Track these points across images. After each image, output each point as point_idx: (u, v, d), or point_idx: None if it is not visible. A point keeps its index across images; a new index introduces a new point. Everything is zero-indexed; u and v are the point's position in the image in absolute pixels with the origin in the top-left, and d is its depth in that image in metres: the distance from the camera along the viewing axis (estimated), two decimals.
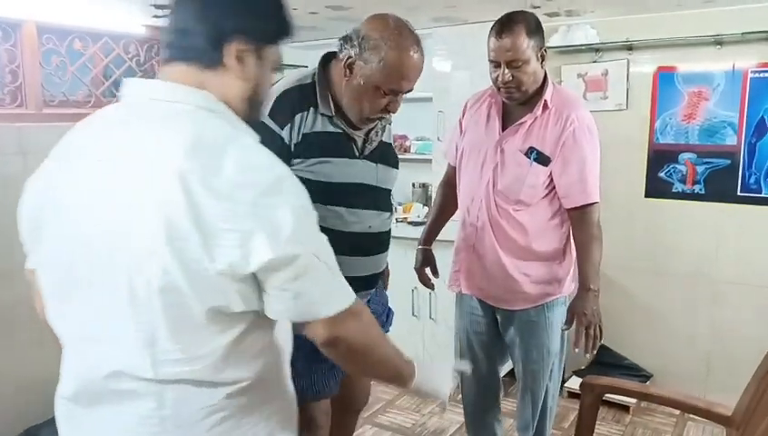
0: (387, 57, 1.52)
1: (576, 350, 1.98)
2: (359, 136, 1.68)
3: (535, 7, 2.84)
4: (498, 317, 2.17)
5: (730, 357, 2.97)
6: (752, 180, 2.86)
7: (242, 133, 0.98)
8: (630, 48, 3.05)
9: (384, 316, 1.94)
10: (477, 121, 2.10)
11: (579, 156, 1.92)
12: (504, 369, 2.45)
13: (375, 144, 1.72)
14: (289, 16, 1.08)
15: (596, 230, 1.98)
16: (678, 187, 3.04)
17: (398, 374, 1.19)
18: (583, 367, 3.33)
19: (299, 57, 4.11)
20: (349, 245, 1.62)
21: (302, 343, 1.56)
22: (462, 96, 2.30)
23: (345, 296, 1.02)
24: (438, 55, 3.38)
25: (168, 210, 0.88)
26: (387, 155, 1.79)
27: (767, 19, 2.71)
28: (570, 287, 2.09)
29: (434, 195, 2.48)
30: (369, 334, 1.09)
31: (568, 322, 2.00)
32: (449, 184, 2.26)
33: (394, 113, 1.66)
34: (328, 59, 1.66)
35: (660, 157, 3.08)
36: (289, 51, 4.04)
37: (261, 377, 1.03)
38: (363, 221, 1.69)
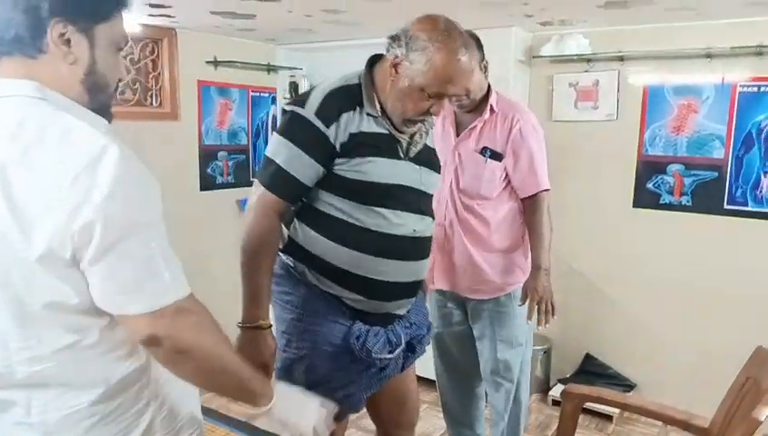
0: (433, 59, 1.47)
1: (529, 322, 2.23)
2: (403, 138, 1.64)
3: (528, 16, 2.86)
4: (468, 310, 2.36)
5: (714, 368, 2.98)
6: (738, 193, 2.88)
7: (65, 115, 0.93)
8: (621, 59, 3.07)
9: (425, 328, 1.87)
10: (433, 133, 2.22)
11: (527, 151, 2.17)
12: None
13: (420, 147, 1.68)
14: None
15: (547, 215, 2.22)
16: (666, 198, 3.06)
17: (245, 389, 1.10)
18: (567, 375, 3.34)
19: (294, 59, 4.15)
20: (392, 249, 1.61)
21: (343, 356, 1.63)
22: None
23: (172, 289, 0.95)
24: None
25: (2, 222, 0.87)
26: (430, 158, 1.74)
27: (757, 34, 2.73)
28: (525, 278, 2.26)
29: None
30: (201, 337, 0.99)
31: (522, 299, 2.21)
32: None
33: (437, 115, 1.62)
34: (374, 60, 1.63)
35: (648, 168, 3.09)
36: (285, 53, 4.09)
37: (134, 381, 0.99)
38: (407, 224, 1.63)
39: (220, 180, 3.87)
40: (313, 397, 1.27)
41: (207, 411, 3.16)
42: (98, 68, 1.01)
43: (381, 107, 1.58)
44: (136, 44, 3.41)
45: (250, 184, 4.06)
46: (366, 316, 1.66)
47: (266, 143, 4.17)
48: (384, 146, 1.60)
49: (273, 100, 4.17)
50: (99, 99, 1.03)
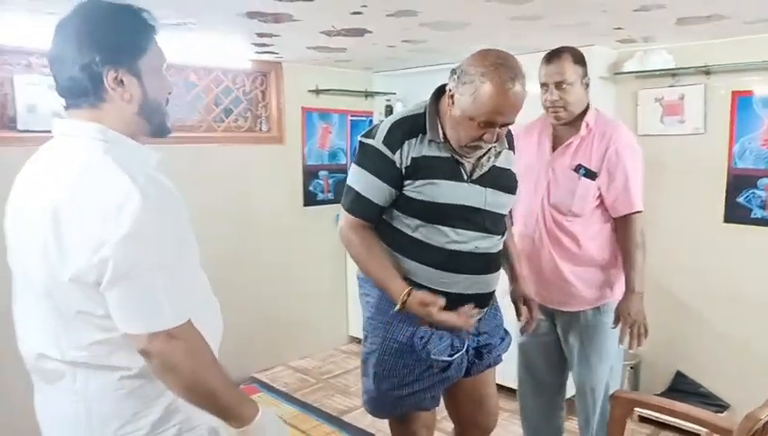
0: (479, 92, 1.58)
1: (621, 345, 2.22)
2: (468, 161, 1.75)
3: (603, 36, 2.92)
4: (557, 322, 2.38)
5: None
6: None
7: (109, 160, 1.12)
8: (707, 72, 3.02)
9: (497, 338, 1.98)
10: (528, 145, 2.33)
11: (622, 170, 2.16)
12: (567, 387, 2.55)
13: (485, 169, 1.77)
14: (141, 26, 1.19)
15: (640, 237, 2.21)
16: (757, 213, 2.96)
17: (227, 409, 1.20)
18: (657, 393, 3.28)
19: (389, 85, 4.43)
20: (455, 264, 1.76)
21: (408, 354, 1.83)
22: (525, 121, 2.44)
23: (169, 319, 1.11)
24: None
25: (42, 233, 1.11)
26: (500, 180, 1.81)
27: None
28: (621, 291, 2.25)
29: None
30: (186, 361, 1.13)
31: (615, 322, 2.22)
32: None
33: (491, 143, 1.69)
34: (441, 91, 1.77)
35: (739, 182, 3.01)
36: (381, 79, 4.39)
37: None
38: (469, 241, 1.76)
39: (321, 196, 4.23)
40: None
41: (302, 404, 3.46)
42: (149, 96, 1.21)
43: (444, 134, 1.72)
44: (247, 78, 3.86)
45: None
46: None
47: None
48: (446, 169, 1.73)
49: (370, 123, 4.48)
50: (155, 120, 1.24)
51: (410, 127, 1.74)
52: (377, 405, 1.94)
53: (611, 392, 2.36)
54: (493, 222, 1.81)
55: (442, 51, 3.36)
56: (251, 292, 3.78)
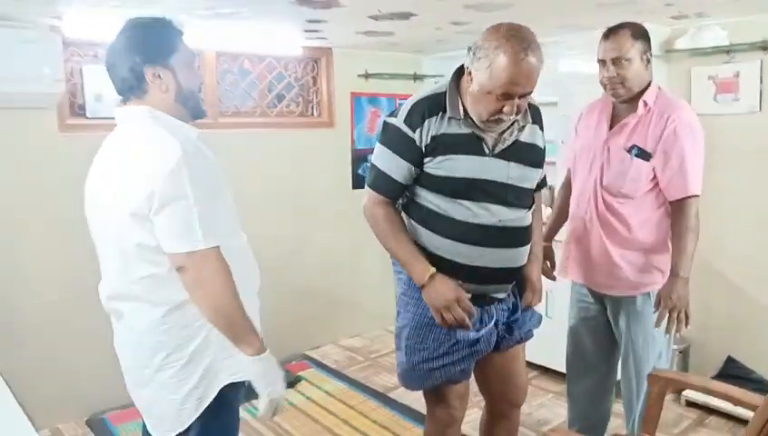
0: (493, 64, 1.61)
1: (658, 328, 2.16)
2: (491, 136, 1.78)
3: (668, 5, 2.85)
4: (607, 305, 2.36)
5: None
6: None
7: (159, 129, 1.44)
8: (765, 48, 2.93)
9: (529, 313, 2.02)
10: (588, 125, 2.33)
11: (679, 151, 2.09)
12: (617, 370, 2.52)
13: (508, 143, 1.80)
14: (170, 31, 1.52)
15: (693, 221, 2.13)
16: None
17: (243, 334, 1.48)
18: (710, 376, 3.23)
19: (438, 68, 4.46)
20: (479, 237, 1.81)
21: (437, 328, 1.91)
22: (586, 101, 2.47)
23: (201, 242, 1.39)
24: (563, 61, 3.51)
25: (110, 194, 1.46)
26: (524, 154, 1.84)
27: None
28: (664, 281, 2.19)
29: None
30: (213, 278, 1.42)
31: (656, 305, 2.15)
32: (568, 187, 2.48)
33: (510, 115, 1.69)
34: (462, 69, 1.80)
35: None
36: (430, 62, 4.42)
37: (191, 304, 1.46)
38: (493, 214, 1.80)
39: None
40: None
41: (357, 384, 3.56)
42: (182, 85, 1.53)
43: (465, 110, 1.77)
44: (299, 64, 3.98)
45: None
46: None
47: None
48: (466, 145, 1.78)
49: None
50: (190, 105, 1.56)
51: (431, 106, 1.79)
52: (409, 377, 2.01)
53: None
54: (516, 196, 1.84)
55: None
56: (302, 272, 3.92)
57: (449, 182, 1.79)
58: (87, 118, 3.13)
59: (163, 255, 1.43)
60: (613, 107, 2.24)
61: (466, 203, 1.80)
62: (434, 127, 1.78)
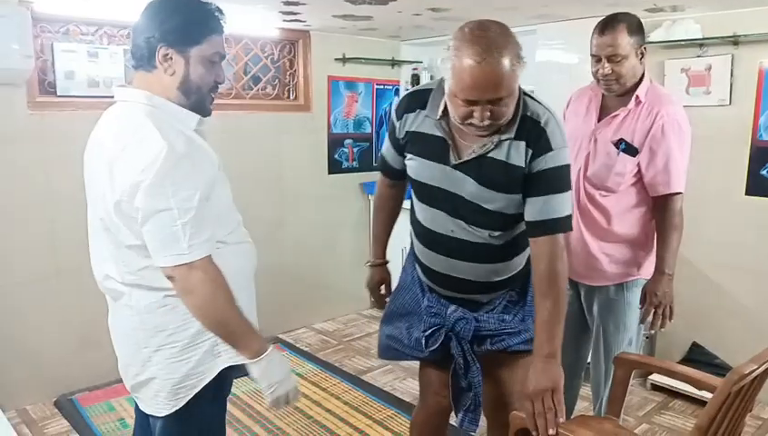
0: (454, 66, 1.47)
1: (642, 325, 2.21)
2: (465, 144, 1.64)
3: (630, 5, 2.90)
4: (581, 292, 2.38)
5: None
6: None
7: (151, 122, 1.38)
8: (736, 43, 2.99)
9: (507, 332, 1.82)
10: (577, 112, 2.31)
11: (665, 149, 2.07)
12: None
13: (472, 156, 1.63)
14: (203, 22, 1.45)
15: (678, 218, 2.12)
16: None
17: (237, 339, 1.45)
18: (675, 361, 3.32)
19: (417, 54, 4.46)
20: (433, 243, 1.77)
21: (402, 293, 1.96)
22: (562, 90, 2.46)
23: (187, 254, 1.35)
24: (540, 51, 3.54)
25: (102, 179, 1.41)
26: (486, 172, 1.63)
27: None
28: (650, 270, 2.22)
29: None
30: (202, 288, 1.38)
31: (641, 302, 2.20)
32: None
33: (482, 122, 1.51)
34: None
35: (762, 155, 2.98)
36: (408, 48, 4.41)
37: None
38: (445, 224, 1.72)
39: (345, 165, 4.32)
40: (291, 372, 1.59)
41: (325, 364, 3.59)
42: (191, 78, 1.45)
43: (445, 113, 1.63)
44: (276, 46, 3.94)
45: (373, 169, 4.47)
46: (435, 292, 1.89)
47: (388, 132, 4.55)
48: (432, 148, 1.68)
49: (397, 92, 4.53)
50: (193, 99, 1.48)
51: (417, 100, 1.74)
52: (379, 342, 2.06)
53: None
54: (471, 212, 1.68)
55: (467, 19, 3.36)
56: (277, 256, 3.90)
57: (415, 183, 1.78)
58: (57, 96, 3.07)
59: None
60: (603, 97, 2.21)
61: (426, 206, 1.77)
62: (410, 123, 1.74)
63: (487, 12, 3.15)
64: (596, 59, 2.09)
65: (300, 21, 3.55)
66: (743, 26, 2.95)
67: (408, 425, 2.84)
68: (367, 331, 4.20)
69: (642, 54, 2.09)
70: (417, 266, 1.91)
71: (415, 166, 1.74)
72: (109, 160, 1.40)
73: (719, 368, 3.19)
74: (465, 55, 1.44)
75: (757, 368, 1.43)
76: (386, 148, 1.88)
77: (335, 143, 4.24)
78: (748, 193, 3.06)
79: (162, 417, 1.55)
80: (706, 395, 2.91)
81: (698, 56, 3.13)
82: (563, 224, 1.61)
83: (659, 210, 2.15)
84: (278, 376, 1.51)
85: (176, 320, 1.46)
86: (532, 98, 1.64)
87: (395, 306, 1.99)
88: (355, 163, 4.37)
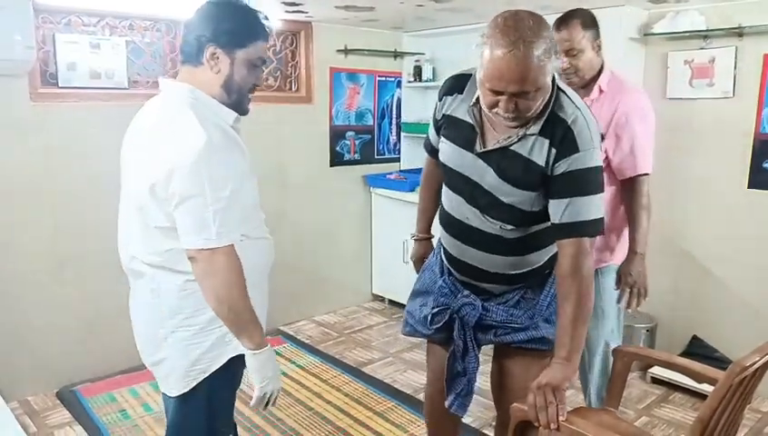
0: (484, 56, 1.47)
1: (619, 305, 2.27)
2: (494, 135, 1.64)
3: None
4: None
5: None
6: None
7: (192, 113, 1.46)
8: (740, 35, 2.97)
9: (512, 326, 1.81)
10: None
11: (630, 133, 2.16)
12: None
13: (497, 146, 1.63)
14: (251, 28, 1.55)
15: (646, 199, 2.21)
16: None
17: (244, 329, 1.52)
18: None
19: (419, 45, 4.44)
20: (454, 229, 1.80)
21: (426, 272, 2.01)
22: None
23: (214, 239, 1.43)
24: None
25: (139, 163, 1.52)
26: (507, 166, 1.62)
27: None
28: (621, 256, 2.29)
29: None
30: (222, 273, 1.45)
31: (617, 283, 2.26)
32: None
33: (507, 114, 1.52)
34: None
35: (765, 147, 2.97)
36: (410, 39, 4.40)
37: None
38: (462, 211, 1.75)
39: (347, 157, 4.31)
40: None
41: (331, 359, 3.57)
42: (234, 78, 1.56)
43: (478, 99, 1.62)
44: (278, 37, 3.92)
45: (374, 162, 4.47)
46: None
47: (390, 124, 4.54)
48: (462, 134, 1.69)
49: (399, 84, 4.51)
50: (233, 97, 1.58)
51: (458, 83, 1.75)
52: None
53: (607, 351, 2.39)
54: (489, 204, 1.68)
55: (470, 11, 3.36)
56: (278, 249, 3.83)
57: (443, 166, 1.80)
58: (59, 87, 3.06)
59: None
60: None
61: (449, 191, 1.80)
62: (447, 105, 1.76)
63: (490, 2, 3.15)
64: None
65: (302, 12, 3.54)
66: (747, 18, 2.93)
67: (408, 417, 2.88)
68: (367, 324, 4.20)
69: (598, 46, 2.18)
70: (441, 249, 1.95)
71: (445, 150, 1.76)
72: (149, 145, 1.50)
73: (719, 361, 3.20)
74: (494, 45, 1.44)
75: (759, 359, 1.43)
76: (430, 128, 1.91)
77: (337, 135, 4.23)
78: (751, 186, 3.06)
79: (173, 397, 1.63)
80: (706, 388, 2.92)
81: (702, 48, 3.12)
82: (588, 228, 1.57)
83: (628, 192, 2.22)
84: (271, 372, 1.58)
85: (193, 304, 1.54)
86: (566, 95, 1.61)
87: (418, 284, 2.05)
88: (357, 156, 4.36)
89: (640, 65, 3.36)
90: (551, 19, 3.32)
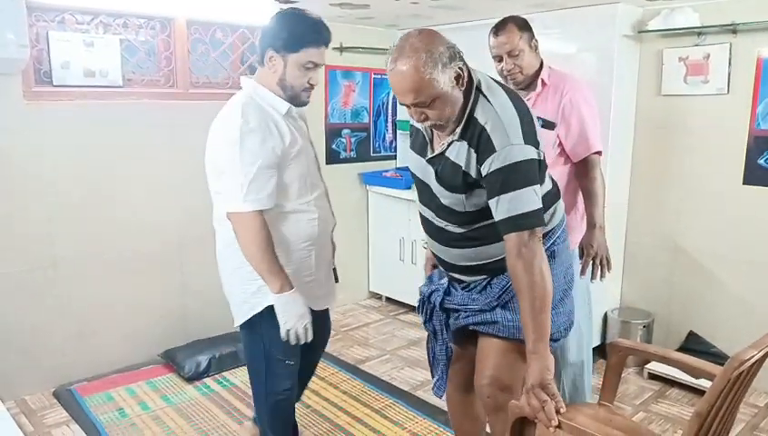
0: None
1: (583, 277, 2.39)
2: (439, 141, 1.76)
3: None
4: None
5: None
6: None
7: (241, 105, 1.91)
8: (734, 32, 2.98)
9: (471, 310, 1.86)
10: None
11: (578, 117, 2.35)
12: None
13: (438, 152, 1.74)
14: (303, 36, 1.90)
15: (600, 175, 2.39)
16: None
17: (263, 275, 1.92)
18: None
19: None
20: (423, 222, 1.93)
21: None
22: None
23: (244, 205, 1.86)
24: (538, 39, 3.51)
25: (210, 143, 2.01)
26: (442, 170, 1.74)
27: None
28: (577, 239, 2.43)
29: None
30: (249, 230, 1.88)
31: (580, 256, 2.40)
32: None
33: (419, 122, 1.70)
34: None
35: (760, 144, 2.98)
36: (399, 36, 4.35)
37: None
38: (425, 211, 1.89)
39: (343, 155, 4.30)
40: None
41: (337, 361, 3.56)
42: (286, 78, 1.96)
43: None
44: None
45: (370, 160, 4.47)
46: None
47: (386, 121, 4.54)
48: (418, 141, 1.86)
49: None
50: (288, 93, 1.99)
51: None
52: None
53: (584, 346, 2.50)
54: (436, 205, 1.81)
55: (464, 8, 3.36)
56: None
57: (410, 171, 1.96)
58: (53, 86, 3.05)
59: None
60: None
61: (417, 192, 1.95)
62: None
63: (485, 0, 3.15)
64: (498, 59, 2.37)
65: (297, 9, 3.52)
66: (741, 15, 2.94)
67: (406, 414, 2.89)
68: (365, 321, 4.20)
69: (535, 46, 2.38)
70: None
71: (410, 156, 1.92)
72: (214, 129, 1.98)
73: (716, 357, 3.21)
74: (387, 64, 1.61)
75: (757, 353, 1.44)
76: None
77: (332, 133, 4.22)
78: (746, 182, 3.07)
79: (238, 327, 2.13)
80: (703, 384, 2.95)
81: (696, 45, 3.13)
82: (524, 221, 1.59)
83: (583, 171, 2.39)
84: (292, 313, 1.94)
85: (240, 256, 1.94)
86: (486, 98, 1.65)
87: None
88: (353, 154, 4.35)
89: (635, 63, 3.37)
90: (546, 16, 3.37)
